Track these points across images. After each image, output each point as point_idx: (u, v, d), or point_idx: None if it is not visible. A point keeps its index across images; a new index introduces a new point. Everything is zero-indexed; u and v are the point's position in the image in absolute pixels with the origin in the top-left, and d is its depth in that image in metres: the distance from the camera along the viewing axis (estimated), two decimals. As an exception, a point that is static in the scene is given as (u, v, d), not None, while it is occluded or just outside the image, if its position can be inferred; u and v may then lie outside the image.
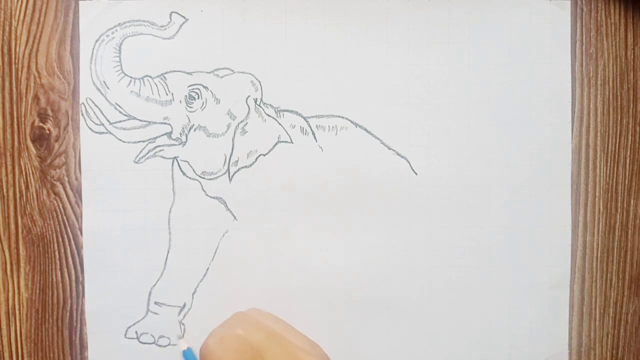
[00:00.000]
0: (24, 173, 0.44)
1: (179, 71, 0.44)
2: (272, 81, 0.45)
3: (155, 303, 0.45)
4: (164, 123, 0.44)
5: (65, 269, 0.45)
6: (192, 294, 0.45)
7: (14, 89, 0.44)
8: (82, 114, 0.44)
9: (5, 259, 0.45)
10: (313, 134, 0.45)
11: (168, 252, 0.45)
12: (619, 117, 0.45)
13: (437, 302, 0.45)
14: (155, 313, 0.45)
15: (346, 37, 0.45)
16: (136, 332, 0.45)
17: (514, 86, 0.45)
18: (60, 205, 0.44)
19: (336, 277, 0.45)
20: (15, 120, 0.44)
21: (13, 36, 0.44)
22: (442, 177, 0.45)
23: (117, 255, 0.44)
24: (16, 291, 0.45)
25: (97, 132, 0.44)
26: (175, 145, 0.45)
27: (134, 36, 0.44)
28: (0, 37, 0.44)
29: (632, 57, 0.45)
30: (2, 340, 0.45)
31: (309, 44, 0.45)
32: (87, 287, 0.45)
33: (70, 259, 0.45)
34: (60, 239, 0.45)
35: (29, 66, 0.44)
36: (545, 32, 0.45)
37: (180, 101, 0.44)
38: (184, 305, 0.45)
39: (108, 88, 0.44)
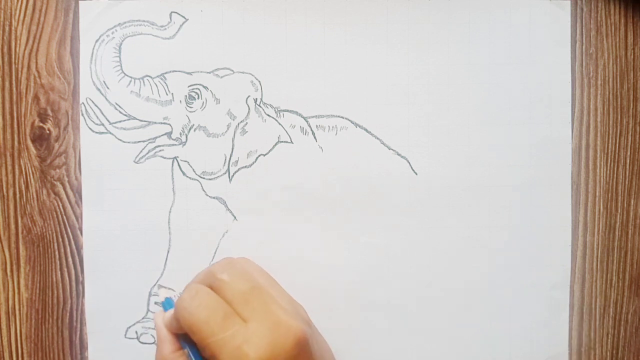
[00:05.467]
0: (24, 173, 0.44)
1: (179, 71, 0.44)
2: (272, 81, 0.45)
3: (156, 303, 0.45)
4: (164, 123, 0.45)
5: (65, 269, 0.45)
6: (192, 294, 0.45)
7: (14, 89, 0.44)
8: (82, 114, 0.44)
9: (5, 259, 0.45)
10: (313, 134, 0.45)
11: (168, 252, 0.45)
12: (619, 117, 0.45)
13: (437, 302, 0.45)
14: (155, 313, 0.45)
15: (346, 37, 0.45)
16: (136, 332, 0.45)
17: (514, 86, 0.45)
18: (60, 205, 0.44)
19: (336, 277, 0.45)
20: (15, 120, 0.44)
21: (13, 36, 0.44)
22: (442, 177, 0.45)
23: (117, 255, 0.44)
24: (16, 291, 0.45)
25: (97, 132, 0.44)
26: (175, 145, 0.45)
27: (134, 36, 0.44)
28: (0, 37, 0.44)
29: (632, 57, 0.45)
30: (2, 340, 0.45)
31: (309, 44, 0.45)
32: (87, 287, 0.45)
33: (70, 259, 0.45)
34: (60, 239, 0.45)
35: (29, 66, 0.44)
36: (545, 32, 0.45)
37: (180, 101, 0.44)
38: (184, 305, 0.45)
39: (108, 88, 0.44)
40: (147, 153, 0.44)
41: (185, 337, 0.39)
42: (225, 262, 0.41)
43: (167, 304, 0.42)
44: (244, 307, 0.37)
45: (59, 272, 0.45)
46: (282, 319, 0.37)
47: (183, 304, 0.37)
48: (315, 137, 0.45)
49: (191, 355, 0.39)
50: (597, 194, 0.45)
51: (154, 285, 0.45)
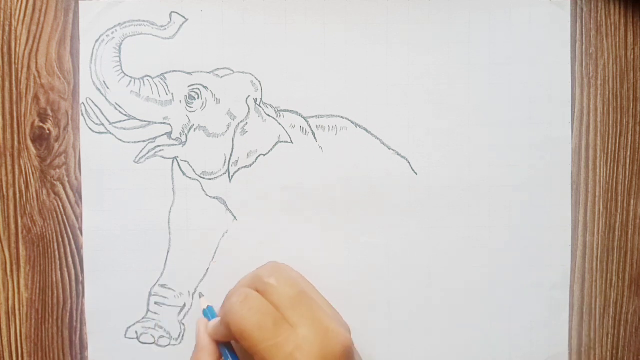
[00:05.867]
0: (24, 173, 0.44)
1: (179, 71, 0.44)
2: (272, 81, 0.45)
3: (156, 303, 0.45)
4: (164, 123, 0.45)
5: (65, 269, 0.45)
6: (192, 294, 0.45)
7: (14, 89, 0.44)
8: (82, 114, 0.44)
9: (5, 259, 0.45)
10: (313, 134, 0.45)
11: (168, 252, 0.45)
12: (619, 117, 0.45)
13: (437, 302, 0.45)
14: (155, 313, 0.45)
15: (346, 37, 0.45)
16: (136, 332, 0.45)
17: (514, 86, 0.45)
18: (60, 205, 0.44)
19: (336, 277, 0.45)
20: (15, 120, 0.44)
21: (13, 36, 0.44)
22: (442, 177, 0.45)
23: (117, 255, 0.44)
24: (16, 291, 0.45)
25: (97, 132, 0.44)
26: (175, 145, 0.45)
27: (134, 36, 0.44)
28: (0, 37, 0.44)
29: (632, 57, 0.45)
30: (2, 340, 0.45)
31: (309, 44, 0.45)
32: (87, 287, 0.45)
33: (70, 259, 0.45)
34: (60, 239, 0.45)
35: (29, 66, 0.44)
36: (545, 32, 0.45)
37: (180, 101, 0.44)
38: (184, 305, 0.45)
39: (108, 88, 0.44)
40: (147, 153, 0.44)
41: (227, 347, 0.39)
42: (271, 266, 0.41)
43: (209, 312, 0.42)
44: (292, 313, 0.37)
45: (59, 272, 0.45)
46: (330, 326, 0.37)
47: (234, 308, 0.37)
48: (315, 137, 0.45)
49: None
50: (597, 194, 0.45)
51: (154, 285, 0.45)
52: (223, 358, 0.40)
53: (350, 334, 0.39)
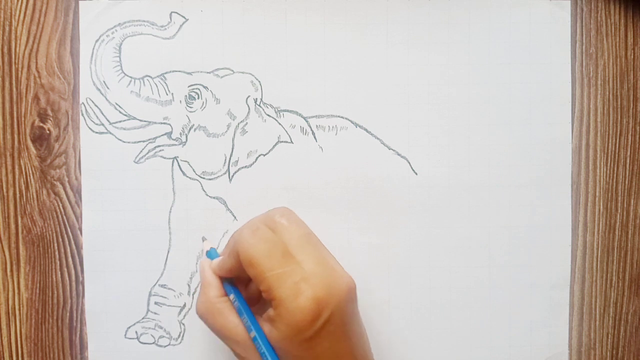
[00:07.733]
0: (24, 173, 0.44)
1: (179, 71, 0.44)
2: (272, 81, 0.45)
3: (156, 303, 0.45)
4: (164, 123, 0.45)
5: (65, 269, 0.45)
6: (192, 294, 0.45)
7: (14, 89, 0.44)
8: (82, 114, 0.44)
9: (5, 259, 0.45)
10: (313, 134, 0.45)
11: (168, 252, 0.45)
12: (619, 117, 0.45)
13: (437, 302, 0.45)
14: (155, 313, 0.45)
15: (346, 37, 0.45)
16: (136, 332, 0.45)
17: (514, 86, 0.45)
18: (60, 205, 0.44)
19: (336, 277, 0.45)
20: (15, 120, 0.44)
21: (13, 36, 0.44)
22: (442, 177, 0.45)
23: (117, 255, 0.44)
24: (16, 291, 0.45)
25: (97, 132, 0.44)
26: (175, 145, 0.45)
27: (134, 36, 0.44)
28: (0, 37, 0.44)
29: (632, 57, 0.45)
30: (2, 340, 0.45)
31: (309, 44, 0.45)
32: (87, 287, 0.45)
33: (70, 259, 0.45)
34: (60, 239, 0.45)
35: (29, 66, 0.44)
36: (545, 32, 0.45)
37: (180, 101, 0.44)
38: (184, 305, 0.45)
39: (108, 88, 0.44)
40: (147, 153, 0.44)
41: (229, 283, 0.40)
42: (283, 208, 0.41)
43: (212, 253, 0.42)
44: (300, 251, 0.37)
45: (59, 272, 0.45)
46: (336, 267, 0.38)
47: (244, 236, 0.38)
48: (315, 137, 0.45)
49: (237, 300, 0.39)
50: (597, 194, 0.45)
51: (154, 285, 0.45)
52: (227, 293, 0.40)
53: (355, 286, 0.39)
